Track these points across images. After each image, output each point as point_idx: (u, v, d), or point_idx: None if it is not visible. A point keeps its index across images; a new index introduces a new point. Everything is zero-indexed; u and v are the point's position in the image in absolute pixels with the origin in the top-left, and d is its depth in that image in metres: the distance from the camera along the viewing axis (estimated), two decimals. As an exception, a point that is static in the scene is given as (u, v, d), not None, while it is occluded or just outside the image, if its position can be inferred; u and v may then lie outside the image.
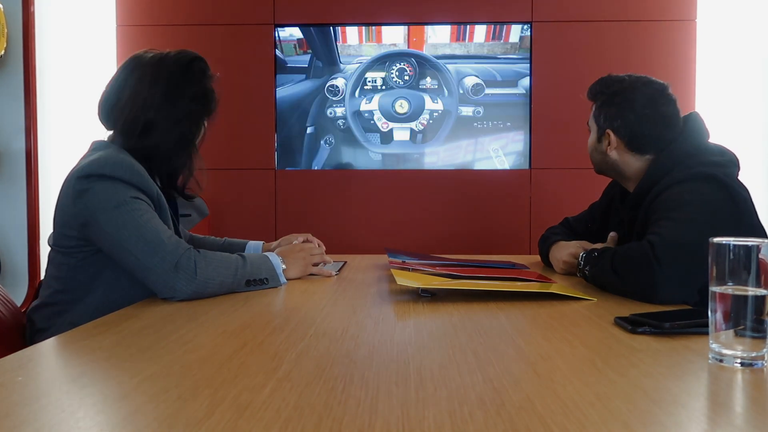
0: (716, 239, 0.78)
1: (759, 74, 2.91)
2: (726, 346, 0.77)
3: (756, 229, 1.33)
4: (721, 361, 0.77)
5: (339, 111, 3.19)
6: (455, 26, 3.14)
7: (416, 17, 3.13)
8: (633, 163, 1.52)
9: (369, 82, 3.19)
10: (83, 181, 1.26)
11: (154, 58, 1.40)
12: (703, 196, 1.29)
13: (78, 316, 1.25)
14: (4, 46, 2.51)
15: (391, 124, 3.19)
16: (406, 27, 3.16)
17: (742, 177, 1.39)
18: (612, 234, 1.53)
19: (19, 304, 1.43)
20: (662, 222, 1.27)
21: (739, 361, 0.76)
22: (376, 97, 3.19)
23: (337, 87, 3.19)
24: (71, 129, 2.74)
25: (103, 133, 1.42)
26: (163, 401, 0.64)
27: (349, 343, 0.89)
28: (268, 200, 3.15)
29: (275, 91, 3.15)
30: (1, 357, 0.80)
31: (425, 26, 3.16)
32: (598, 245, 1.48)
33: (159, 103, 1.35)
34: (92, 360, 0.84)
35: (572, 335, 0.93)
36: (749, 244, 0.76)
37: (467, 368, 0.75)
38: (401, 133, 3.20)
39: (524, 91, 3.12)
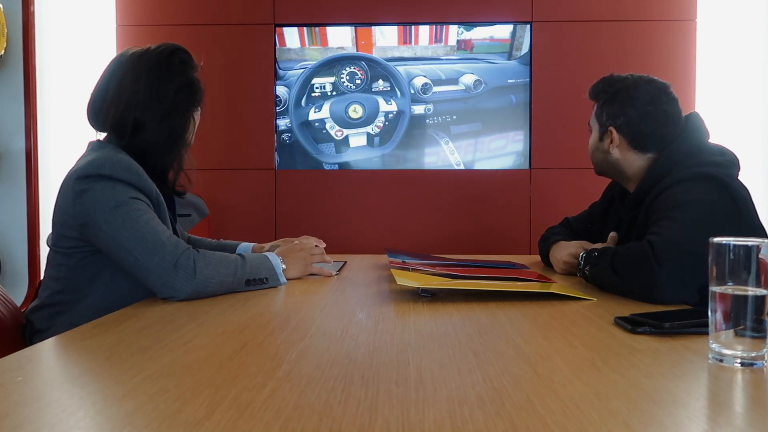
0: (716, 239, 0.78)
1: (759, 74, 2.91)
2: (726, 346, 0.77)
3: (756, 230, 1.33)
4: (721, 361, 0.77)
5: (282, 123, 3.02)
6: (401, 27, 3.09)
7: (363, 18, 3.06)
8: (635, 162, 1.52)
9: (317, 88, 3.04)
10: (82, 182, 1.25)
11: (135, 54, 1.37)
12: (703, 196, 1.29)
13: (77, 317, 1.25)
14: (4, 46, 2.51)
15: (346, 131, 3.07)
16: (353, 28, 3.07)
17: (742, 177, 1.39)
18: (612, 234, 1.53)
19: (19, 305, 1.43)
20: (662, 222, 1.27)
21: (739, 361, 0.76)
22: (327, 105, 3.06)
23: (277, 97, 3.03)
24: (71, 129, 2.74)
25: (100, 134, 1.41)
26: (163, 401, 0.64)
27: (349, 343, 0.89)
28: (268, 200, 3.15)
29: (275, 90, 3.15)
30: (1, 357, 0.80)
31: (372, 27, 3.08)
32: (598, 245, 1.48)
33: (144, 100, 1.33)
34: (92, 360, 0.84)
35: (572, 335, 0.93)
36: (749, 244, 0.76)
37: (467, 368, 0.75)
38: (357, 138, 3.08)
39: (464, 87, 3.09)
